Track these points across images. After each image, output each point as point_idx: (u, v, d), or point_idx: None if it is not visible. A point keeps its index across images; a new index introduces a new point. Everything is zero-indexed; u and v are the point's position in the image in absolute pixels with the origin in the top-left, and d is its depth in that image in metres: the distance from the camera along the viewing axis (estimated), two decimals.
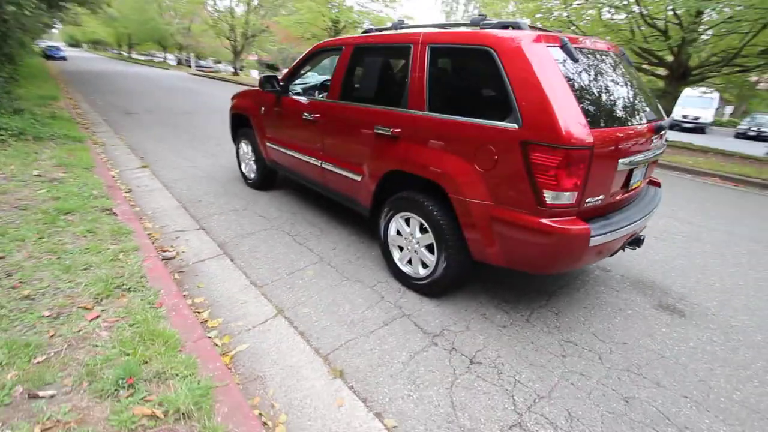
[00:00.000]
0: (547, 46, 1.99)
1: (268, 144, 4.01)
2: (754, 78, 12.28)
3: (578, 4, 10.50)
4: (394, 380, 1.97)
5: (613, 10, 9.89)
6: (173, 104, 11.62)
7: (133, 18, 33.21)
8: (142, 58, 51.12)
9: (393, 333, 2.31)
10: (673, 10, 8.50)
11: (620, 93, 2.28)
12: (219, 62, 45.06)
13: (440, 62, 2.39)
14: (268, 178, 4.48)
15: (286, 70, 3.78)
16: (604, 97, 2.12)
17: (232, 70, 29.89)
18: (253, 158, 4.43)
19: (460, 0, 38.39)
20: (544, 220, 1.96)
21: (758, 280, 3.30)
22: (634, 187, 2.39)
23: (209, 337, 2.07)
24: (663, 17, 9.06)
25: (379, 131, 2.63)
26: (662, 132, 2.42)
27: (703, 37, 8.96)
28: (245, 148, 4.56)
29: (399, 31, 2.74)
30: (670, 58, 9.90)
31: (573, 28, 10.85)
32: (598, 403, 1.91)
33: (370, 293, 2.69)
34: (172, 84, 19.13)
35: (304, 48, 29.45)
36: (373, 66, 2.82)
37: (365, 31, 3.09)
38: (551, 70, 1.92)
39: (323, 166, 3.24)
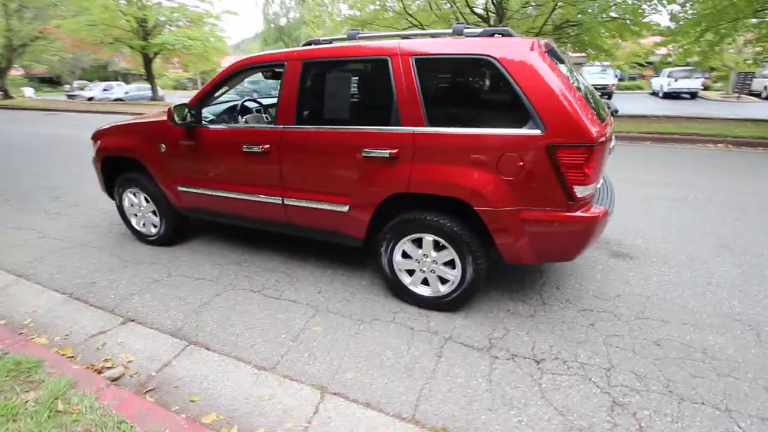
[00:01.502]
0: (543, 51, 2.08)
1: (180, 188, 3.19)
2: None
3: None
4: (495, 413, 1.88)
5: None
6: None
7: None
8: None
9: (453, 363, 2.19)
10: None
11: (586, 85, 2.57)
12: None
13: (430, 74, 2.26)
14: (180, 230, 3.60)
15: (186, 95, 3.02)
16: (584, 91, 2.36)
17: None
18: (153, 209, 3.48)
19: None
20: (578, 213, 2.11)
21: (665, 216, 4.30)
22: None
23: None
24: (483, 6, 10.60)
25: (371, 154, 2.36)
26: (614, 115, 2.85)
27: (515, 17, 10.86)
28: (135, 199, 3.53)
29: (360, 43, 2.46)
30: None
31: (409, 18, 11.75)
32: (643, 354, 2.21)
33: (397, 329, 2.47)
34: None
35: (104, 55, 24.08)
36: (339, 83, 2.49)
37: (307, 44, 2.68)
38: (557, 74, 2.03)
39: (286, 202, 2.76)
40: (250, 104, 3.55)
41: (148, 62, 18.78)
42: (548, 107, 1.99)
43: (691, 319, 2.50)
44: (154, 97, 20.74)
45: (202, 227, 4.03)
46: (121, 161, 3.54)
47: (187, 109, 2.83)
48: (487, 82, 2.13)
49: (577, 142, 1.97)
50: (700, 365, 2.13)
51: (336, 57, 2.47)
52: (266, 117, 3.58)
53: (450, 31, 2.32)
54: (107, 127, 3.51)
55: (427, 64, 2.23)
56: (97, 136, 3.54)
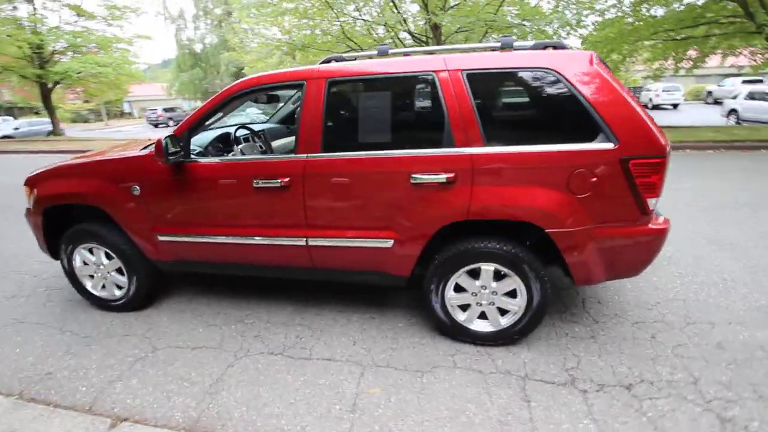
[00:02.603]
0: (600, 63, 2.02)
1: (162, 238, 2.58)
2: None
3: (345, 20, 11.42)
4: None
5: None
6: None
7: None
8: None
9: (546, 406, 1.94)
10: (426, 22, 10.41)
11: None
12: None
13: (486, 90, 2.07)
14: (154, 288, 2.93)
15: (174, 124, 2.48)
16: None
17: None
18: (118, 267, 2.79)
19: (187, 17, 35.36)
20: (651, 225, 2.04)
21: None
22: None
23: None
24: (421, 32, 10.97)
25: (422, 180, 2.08)
26: None
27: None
28: (91, 256, 2.80)
29: (393, 59, 2.19)
30: None
31: (348, 42, 11.76)
32: (715, 361, 2.18)
33: (464, 375, 2.17)
34: None
35: None
36: (376, 103, 2.18)
37: (325, 61, 2.34)
38: (620, 85, 1.96)
39: (311, 243, 2.34)
40: (240, 131, 3.05)
41: (46, 93, 16.33)
42: (620, 119, 1.91)
43: (733, 318, 2.56)
44: (55, 132, 18.06)
45: (174, 280, 3.36)
46: (68, 212, 2.82)
47: (177, 141, 2.31)
48: (550, 97, 2.00)
49: (650, 153, 1.91)
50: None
51: (370, 75, 2.18)
52: (259, 146, 3.11)
53: (490, 45, 2.18)
54: (47, 169, 2.77)
55: (481, 80, 2.05)
56: (33, 182, 2.77)
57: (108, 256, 2.80)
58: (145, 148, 2.71)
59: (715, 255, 3.46)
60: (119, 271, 2.83)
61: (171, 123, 29.82)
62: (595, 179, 1.95)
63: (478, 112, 2.02)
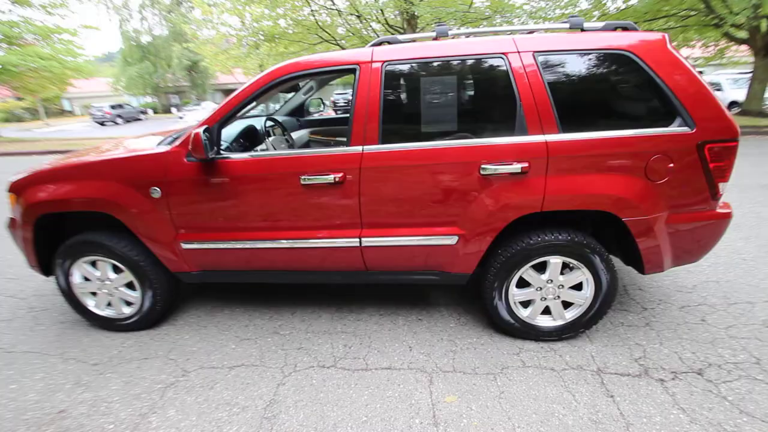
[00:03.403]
0: (673, 45, 1.96)
1: (186, 246, 2.27)
2: None
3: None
4: None
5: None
6: None
7: None
8: None
9: (632, 400, 1.88)
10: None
11: None
12: None
13: (559, 74, 1.95)
14: (173, 303, 2.61)
15: (204, 114, 2.15)
16: None
17: None
18: (129, 281, 2.44)
19: (133, 7, 32.84)
20: (720, 210, 2.03)
21: None
22: None
23: None
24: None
25: (493, 171, 1.95)
26: None
27: None
28: (94, 271, 2.44)
29: (458, 41, 2.02)
30: None
31: (320, 33, 11.35)
32: None
33: (539, 375, 2.08)
34: None
35: None
36: (440, 89, 2.00)
37: (376, 43, 2.12)
38: (692, 67, 1.92)
39: (365, 243, 2.14)
40: (269, 124, 2.72)
41: None
42: (696, 102, 1.87)
43: (766, 296, 2.66)
44: None
45: (196, 293, 3.02)
46: (64, 220, 2.43)
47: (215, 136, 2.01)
48: (626, 80, 1.93)
49: (725, 137, 1.89)
50: None
51: (432, 58, 2.00)
52: (286, 139, 2.83)
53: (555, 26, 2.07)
54: (38, 172, 2.35)
55: (554, 63, 1.94)
56: (20, 188, 2.34)
57: (116, 270, 2.44)
58: (161, 143, 2.37)
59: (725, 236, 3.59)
60: (129, 285, 2.48)
61: (120, 121, 27.70)
62: (672, 164, 1.91)
63: (551, 95, 1.91)
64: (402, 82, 2.04)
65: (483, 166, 1.95)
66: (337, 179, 2.02)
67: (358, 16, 10.99)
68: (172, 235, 2.27)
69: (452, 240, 2.09)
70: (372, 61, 2.01)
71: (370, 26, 11.33)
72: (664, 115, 1.90)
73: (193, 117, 17.30)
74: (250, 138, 2.64)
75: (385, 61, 2.00)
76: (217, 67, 17.60)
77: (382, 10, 10.13)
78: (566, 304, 2.25)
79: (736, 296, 2.66)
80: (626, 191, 1.93)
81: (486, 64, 1.99)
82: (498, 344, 2.32)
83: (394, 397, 1.97)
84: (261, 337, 2.47)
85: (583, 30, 2.03)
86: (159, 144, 2.38)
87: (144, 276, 2.40)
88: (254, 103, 2.21)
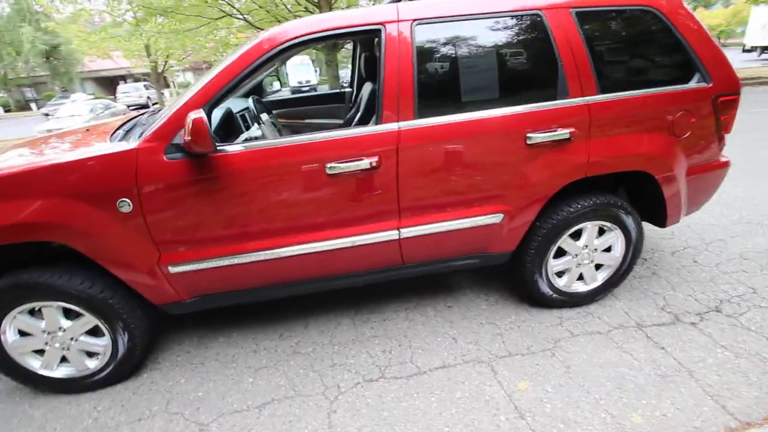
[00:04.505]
0: None
1: (175, 269, 1.76)
2: None
3: None
4: None
5: None
6: None
7: None
8: None
9: (680, 347, 1.97)
10: None
11: None
12: None
13: (593, 32, 1.83)
14: (152, 343, 2.06)
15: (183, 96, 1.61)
16: None
17: None
18: (92, 326, 1.84)
19: None
20: (723, 159, 2.18)
21: None
22: None
23: None
24: None
25: (540, 140, 1.81)
26: None
27: None
28: (35, 322, 1.79)
29: None
30: None
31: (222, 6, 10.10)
32: (752, 270, 2.52)
33: (589, 341, 2.06)
34: None
35: None
36: (478, 52, 1.75)
37: (393, 0, 1.78)
38: (702, 22, 1.98)
39: (405, 235, 1.87)
40: (255, 107, 2.19)
41: None
42: (712, 59, 1.94)
43: (730, 233, 3.01)
44: None
45: (177, 330, 2.43)
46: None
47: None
48: (652, 37, 1.90)
49: (732, 90, 2.00)
50: None
51: (468, 15, 1.74)
52: (273, 123, 2.34)
53: None
54: None
55: (589, 19, 1.83)
56: None
57: (69, 314, 1.82)
58: (125, 137, 1.78)
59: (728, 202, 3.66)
60: (93, 332, 1.88)
61: None
62: (694, 120, 1.97)
63: (591, 55, 1.82)
64: (436, 44, 1.76)
65: (529, 135, 1.80)
66: (373, 164, 1.71)
67: None
68: (153, 257, 1.74)
69: (498, 218, 1.94)
70: (399, 21, 1.70)
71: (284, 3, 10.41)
72: (686, 71, 1.95)
73: (67, 112, 14.30)
74: (228, 125, 2.14)
75: (414, 20, 1.71)
76: (90, 50, 14.77)
77: None
78: (596, 267, 2.27)
79: (709, 236, 2.98)
80: (658, 149, 1.96)
81: (524, 22, 1.81)
82: (538, 318, 2.26)
83: (466, 398, 1.79)
84: (281, 362, 2.08)
85: None
86: (113, 140, 1.79)
87: (114, 316, 1.82)
88: (249, 80, 1.75)
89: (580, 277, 2.26)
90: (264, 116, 2.19)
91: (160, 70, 17.26)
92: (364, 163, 1.70)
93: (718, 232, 3.02)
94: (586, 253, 2.17)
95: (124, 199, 1.62)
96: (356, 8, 8.97)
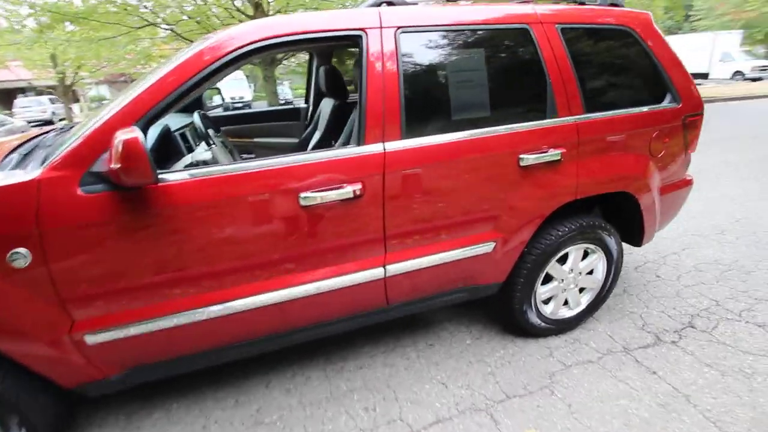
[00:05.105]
0: None
1: (94, 338, 1.31)
2: None
3: None
4: None
5: None
6: None
7: None
8: None
9: (670, 370, 1.92)
10: None
11: None
12: None
13: (576, 48, 1.75)
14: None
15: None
16: None
17: None
18: None
19: None
20: (688, 177, 2.24)
21: None
22: None
23: None
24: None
25: (532, 161, 1.67)
26: None
27: None
28: None
29: (477, 5, 1.61)
30: None
31: (144, 15, 9.22)
32: (709, 282, 2.63)
33: (583, 372, 1.94)
34: None
35: None
36: (467, 65, 1.56)
37: (376, 4, 1.53)
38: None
39: (391, 272, 1.60)
40: (202, 125, 1.78)
41: None
42: (680, 79, 1.98)
43: (683, 244, 3.16)
44: None
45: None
46: None
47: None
48: (629, 57, 1.88)
49: (698, 110, 2.06)
50: None
51: (455, 25, 1.55)
52: (220, 143, 1.94)
53: None
54: None
55: (573, 36, 1.75)
56: None
57: None
58: (21, 163, 1.32)
59: (720, 208, 3.80)
60: None
61: None
62: (667, 139, 1.99)
63: (576, 73, 1.74)
64: (422, 56, 1.55)
65: (521, 156, 1.66)
66: (357, 192, 1.43)
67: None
68: (62, 326, 1.28)
69: (490, 247, 1.76)
70: (382, 27, 1.47)
71: (211, 10, 9.75)
72: (658, 92, 1.97)
73: None
74: (165, 146, 1.73)
75: (399, 27, 1.49)
76: None
77: None
78: (580, 290, 2.19)
79: (663, 250, 3.10)
80: (638, 169, 1.94)
81: (512, 35, 1.68)
82: (527, 350, 2.11)
83: None
84: (290, 426, 1.68)
85: (582, 4, 1.92)
86: (2, 168, 1.31)
87: (6, 408, 1.32)
88: (197, 90, 1.39)
89: (565, 303, 2.16)
90: (212, 134, 1.81)
91: (68, 83, 15.40)
92: (347, 191, 1.42)
93: (669, 245, 3.16)
94: (571, 277, 2.08)
95: (18, 250, 1.17)
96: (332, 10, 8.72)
